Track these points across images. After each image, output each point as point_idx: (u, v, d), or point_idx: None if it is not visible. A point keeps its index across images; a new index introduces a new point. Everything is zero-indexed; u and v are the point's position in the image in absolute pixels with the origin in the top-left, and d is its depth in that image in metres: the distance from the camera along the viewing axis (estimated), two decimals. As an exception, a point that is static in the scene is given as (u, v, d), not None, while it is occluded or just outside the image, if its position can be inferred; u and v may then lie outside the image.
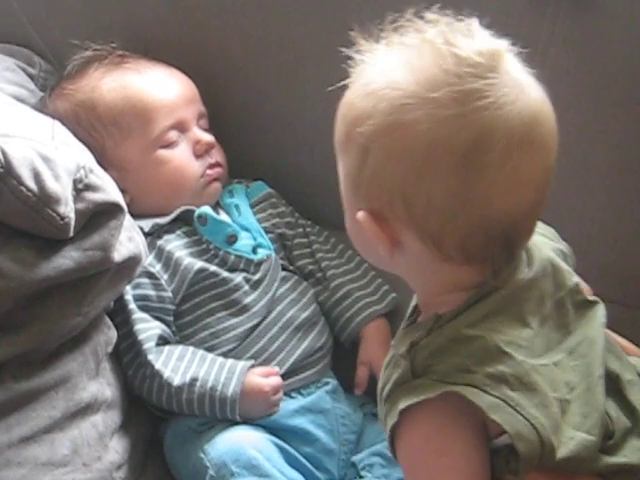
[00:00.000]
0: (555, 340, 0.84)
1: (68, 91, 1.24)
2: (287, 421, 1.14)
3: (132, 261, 1.04)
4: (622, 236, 1.24)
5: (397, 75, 0.78)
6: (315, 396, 1.18)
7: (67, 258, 0.94)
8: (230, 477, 1.04)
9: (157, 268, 1.17)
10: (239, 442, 1.07)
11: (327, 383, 1.21)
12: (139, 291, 1.15)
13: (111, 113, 1.20)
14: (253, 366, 1.14)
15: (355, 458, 1.17)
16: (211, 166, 1.25)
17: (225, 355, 1.16)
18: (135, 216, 1.13)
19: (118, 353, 1.14)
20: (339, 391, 1.22)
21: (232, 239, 1.21)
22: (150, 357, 1.11)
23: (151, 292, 1.15)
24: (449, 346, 0.80)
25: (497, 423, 0.75)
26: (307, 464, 1.12)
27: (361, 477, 1.14)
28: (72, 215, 0.93)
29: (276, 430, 1.13)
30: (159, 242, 1.18)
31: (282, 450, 1.11)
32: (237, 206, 1.27)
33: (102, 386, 1.06)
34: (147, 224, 1.18)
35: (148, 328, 1.13)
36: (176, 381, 1.10)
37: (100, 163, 1.03)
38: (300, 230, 1.32)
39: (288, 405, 1.15)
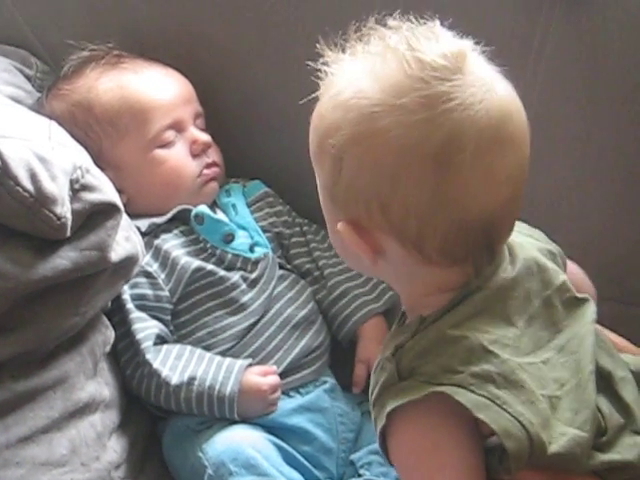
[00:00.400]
0: (544, 338, 0.84)
1: (65, 91, 1.24)
2: (285, 420, 1.14)
3: (129, 261, 1.05)
4: (619, 234, 1.24)
5: (363, 84, 0.79)
6: (313, 395, 1.18)
7: (64, 258, 0.94)
8: (228, 476, 1.05)
9: (154, 267, 1.17)
10: (237, 441, 1.07)
11: (325, 382, 1.21)
12: (136, 290, 1.15)
13: (108, 113, 1.20)
14: (251, 365, 1.14)
15: (353, 456, 1.17)
16: (208, 166, 1.25)
17: (223, 354, 1.16)
18: (132, 216, 1.13)
19: (116, 353, 1.14)
20: (337, 390, 1.22)
21: (229, 238, 1.21)
22: (148, 356, 1.11)
23: (148, 291, 1.15)
24: (434, 347, 0.80)
25: (484, 422, 0.75)
26: (306, 463, 1.12)
27: (359, 475, 1.14)
28: (69, 215, 0.93)
29: (274, 429, 1.13)
30: (156, 241, 1.19)
31: (280, 449, 1.11)
32: (234, 205, 1.27)
33: (100, 386, 1.06)
34: (144, 224, 1.18)
35: (146, 327, 1.13)
36: (174, 380, 1.10)
37: (97, 163, 1.03)
38: (297, 229, 1.32)
39: (286, 404, 1.15)
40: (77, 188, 0.96)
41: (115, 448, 1.06)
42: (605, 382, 0.86)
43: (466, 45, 0.80)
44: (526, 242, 0.90)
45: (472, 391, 0.76)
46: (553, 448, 0.76)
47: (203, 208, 1.21)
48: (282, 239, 1.30)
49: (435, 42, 0.79)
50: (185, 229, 1.21)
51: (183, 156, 1.23)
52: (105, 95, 1.21)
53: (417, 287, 0.85)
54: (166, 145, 1.22)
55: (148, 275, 1.16)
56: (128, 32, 1.32)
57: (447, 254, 0.80)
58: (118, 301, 1.13)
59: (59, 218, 0.92)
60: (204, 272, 1.18)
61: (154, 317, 1.15)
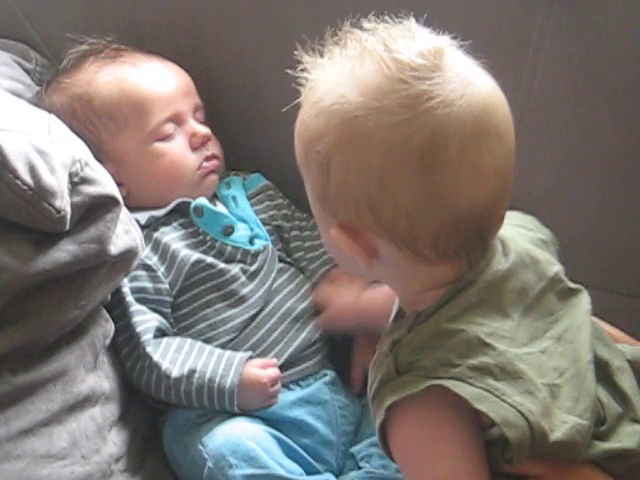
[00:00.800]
0: (541, 329, 0.85)
1: (64, 85, 1.24)
2: (286, 413, 1.14)
3: (129, 254, 1.05)
4: (619, 225, 1.24)
5: (343, 89, 0.79)
6: (313, 388, 1.18)
7: (63, 251, 0.94)
8: (228, 469, 1.05)
9: (154, 260, 1.17)
10: (237, 434, 1.07)
11: (325, 375, 1.21)
12: (136, 284, 1.15)
13: (107, 106, 1.20)
14: (251, 357, 1.14)
15: (354, 449, 1.17)
16: (207, 158, 1.25)
17: (223, 346, 1.16)
18: (132, 209, 1.13)
19: (116, 346, 1.14)
20: (337, 382, 1.22)
21: (229, 230, 1.21)
22: (148, 349, 1.11)
23: (148, 284, 1.15)
24: (431, 341, 0.80)
25: (483, 413, 0.75)
26: (306, 455, 1.12)
27: (360, 468, 1.14)
28: (68, 208, 0.94)
29: (275, 422, 1.13)
30: (155, 234, 1.19)
31: (280, 442, 1.11)
32: (234, 198, 1.28)
33: (100, 379, 1.07)
34: (143, 217, 1.18)
35: (146, 320, 1.13)
36: (174, 373, 1.10)
37: (96, 156, 1.03)
38: (296, 223, 1.32)
39: (286, 397, 1.15)
40: (76, 181, 0.96)
41: (115, 441, 1.06)
42: (603, 372, 0.87)
43: (443, 41, 0.81)
44: (518, 234, 0.91)
45: (471, 384, 0.77)
46: (555, 436, 0.77)
47: (202, 200, 1.21)
48: (282, 232, 1.30)
49: (412, 41, 0.80)
50: (184, 222, 1.21)
51: (183, 149, 1.23)
52: (104, 88, 1.21)
53: (413, 285, 0.85)
54: (165, 138, 1.22)
55: (148, 268, 1.16)
56: (127, 26, 1.32)
57: (440, 251, 0.80)
58: (118, 294, 1.13)
59: (58, 211, 0.92)
60: (204, 264, 1.18)
61: (154, 310, 1.15)
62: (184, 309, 1.18)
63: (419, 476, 0.81)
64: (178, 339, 1.15)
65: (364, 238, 0.82)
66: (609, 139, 1.18)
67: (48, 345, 0.99)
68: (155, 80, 1.23)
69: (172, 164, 1.21)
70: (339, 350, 1.27)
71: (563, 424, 0.78)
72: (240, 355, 1.13)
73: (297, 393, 1.17)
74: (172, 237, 1.19)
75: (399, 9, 1.07)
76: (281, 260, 1.26)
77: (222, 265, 1.19)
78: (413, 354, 0.81)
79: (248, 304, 1.18)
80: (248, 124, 1.37)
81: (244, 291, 1.19)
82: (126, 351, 1.14)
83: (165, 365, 1.10)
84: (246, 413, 1.12)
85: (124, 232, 1.04)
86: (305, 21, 1.25)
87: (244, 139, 1.37)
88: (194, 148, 1.24)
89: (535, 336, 0.84)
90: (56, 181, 0.92)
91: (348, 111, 0.78)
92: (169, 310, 1.17)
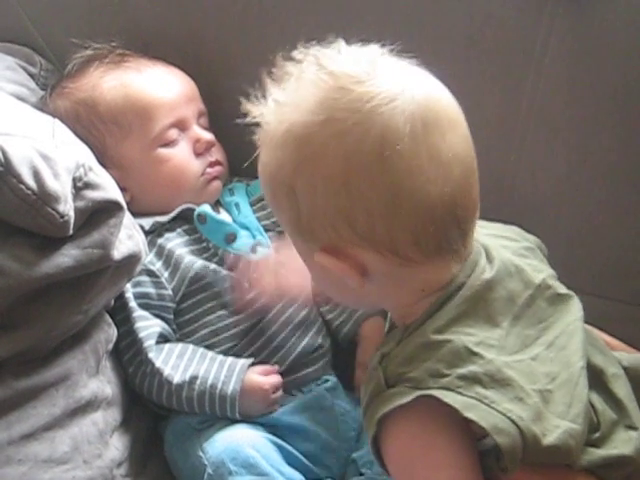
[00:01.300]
0: (532, 336, 0.85)
1: (69, 89, 1.24)
2: (287, 419, 1.14)
3: (132, 259, 1.05)
4: (623, 233, 1.24)
5: (290, 117, 0.80)
6: (315, 394, 1.18)
7: (67, 256, 0.94)
8: (228, 476, 1.04)
9: (157, 266, 1.17)
10: (237, 441, 1.07)
11: (327, 380, 1.21)
12: (139, 289, 1.15)
13: (111, 111, 1.20)
14: (253, 364, 1.14)
15: (355, 455, 1.17)
16: (211, 164, 1.25)
17: (225, 353, 1.16)
18: (136, 214, 1.13)
19: (118, 351, 1.14)
20: (339, 388, 1.22)
21: (231, 238, 1.21)
22: (151, 355, 1.11)
23: (151, 290, 1.15)
24: (419, 353, 0.81)
25: (473, 421, 0.75)
26: (307, 462, 1.12)
27: (361, 474, 1.14)
28: (71, 213, 0.94)
29: (276, 428, 1.13)
30: (159, 240, 1.19)
31: (281, 448, 1.10)
32: (237, 204, 1.27)
33: (102, 384, 1.07)
34: (148, 222, 1.18)
35: (148, 326, 1.13)
36: (176, 379, 1.10)
37: (100, 161, 1.03)
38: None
39: (288, 402, 1.16)
40: (80, 186, 0.96)
41: (117, 446, 1.06)
42: (597, 379, 0.87)
43: (374, 49, 0.83)
44: (500, 246, 0.91)
45: (460, 393, 0.77)
46: (548, 440, 0.77)
47: (205, 208, 1.21)
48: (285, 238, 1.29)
49: (343, 55, 0.82)
50: (189, 228, 1.21)
51: (186, 155, 1.23)
52: (109, 93, 1.21)
53: (404, 296, 0.85)
54: (169, 144, 1.22)
55: (151, 274, 1.16)
56: (132, 31, 1.32)
57: (423, 247, 0.80)
58: (121, 299, 1.13)
59: (62, 216, 0.92)
60: (207, 271, 1.18)
61: (157, 316, 1.15)
62: (187, 315, 1.18)
63: None
64: (180, 345, 1.15)
65: (348, 255, 0.82)
66: (612, 144, 1.19)
67: (50, 350, 0.99)
68: (159, 85, 1.23)
69: (176, 169, 1.22)
70: (342, 355, 1.27)
71: (556, 428, 0.78)
72: (242, 362, 1.13)
73: (299, 399, 1.17)
74: (176, 243, 1.19)
75: (404, 16, 1.08)
76: (283, 267, 1.26)
77: (225, 272, 1.19)
78: (402, 366, 0.81)
79: (250, 311, 1.18)
80: (252, 130, 1.37)
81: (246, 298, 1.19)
82: (129, 356, 1.14)
83: (167, 371, 1.11)
84: (247, 420, 1.12)
85: (127, 237, 1.04)
86: (310, 28, 1.25)
87: (248, 145, 1.37)
88: (198, 154, 1.24)
89: (526, 343, 0.84)
90: (60, 186, 0.92)
91: (298, 134, 0.79)
92: (172, 316, 1.17)
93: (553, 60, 1.15)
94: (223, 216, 1.25)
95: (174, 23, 1.33)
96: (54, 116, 1.07)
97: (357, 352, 1.25)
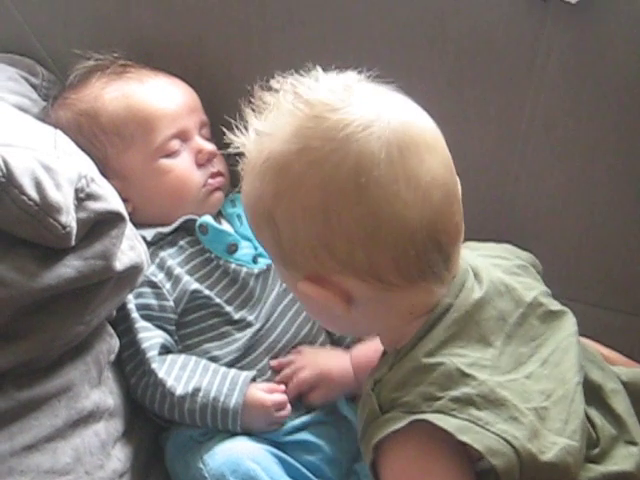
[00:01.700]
0: (525, 354, 0.85)
1: (71, 100, 1.24)
2: (289, 437, 1.14)
3: (134, 270, 1.04)
4: (624, 245, 1.25)
5: (268, 146, 0.81)
6: (318, 408, 1.17)
7: (69, 267, 0.94)
8: (228, 488, 1.04)
9: (159, 277, 1.16)
10: (237, 453, 1.07)
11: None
12: (141, 300, 1.15)
13: (113, 122, 1.20)
14: (255, 379, 1.14)
15: (357, 466, 1.16)
16: (213, 175, 1.25)
17: (228, 365, 1.15)
18: (138, 225, 1.13)
19: (121, 361, 1.14)
20: (342, 400, 1.21)
21: (232, 248, 1.21)
22: (153, 366, 1.11)
23: (153, 301, 1.15)
24: (411, 377, 0.81)
25: (468, 444, 0.75)
26: (308, 474, 1.12)
27: (363, 485, 1.14)
28: (74, 224, 0.94)
29: (278, 441, 1.13)
30: (162, 253, 1.18)
31: (282, 461, 1.10)
32: (239, 216, 1.27)
33: (104, 394, 1.06)
34: (150, 233, 1.18)
35: (151, 337, 1.13)
36: (179, 391, 1.10)
37: (102, 172, 1.03)
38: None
39: (290, 421, 1.14)
40: (82, 197, 0.96)
41: (119, 457, 1.06)
42: (596, 395, 0.87)
43: (350, 77, 0.83)
44: (491, 265, 0.90)
45: (453, 415, 0.77)
46: (546, 457, 0.77)
47: (207, 218, 1.21)
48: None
49: (319, 82, 0.82)
50: (191, 240, 1.21)
51: (188, 166, 1.23)
52: (111, 104, 1.21)
53: (393, 319, 0.85)
54: (171, 154, 1.22)
55: (153, 285, 1.16)
56: (134, 42, 1.33)
57: (404, 273, 0.80)
58: (123, 310, 1.13)
59: (64, 227, 0.92)
60: (206, 294, 1.18)
61: (159, 327, 1.15)
62: (189, 328, 1.18)
63: None
64: (183, 356, 1.14)
65: (332, 282, 0.82)
66: (613, 157, 1.19)
67: (53, 360, 0.99)
68: (161, 96, 1.23)
69: (177, 180, 1.21)
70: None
71: (553, 445, 0.78)
72: (245, 374, 1.12)
73: (301, 418, 1.16)
74: (177, 261, 1.19)
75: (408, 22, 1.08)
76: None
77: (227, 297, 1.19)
78: (395, 391, 0.81)
79: (254, 328, 1.18)
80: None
81: (250, 318, 1.19)
82: (131, 367, 1.13)
83: (170, 382, 1.10)
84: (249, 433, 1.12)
85: (129, 248, 1.04)
86: (314, 40, 1.26)
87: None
88: (200, 165, 1.24)
89: (520, 362, 0.84)
90: (62, 197, 0.92)
91: (275, 163, 0.80)
92: (174, 327, 1.17)
93: (554, 74, 1.15)
94: (225, 227, 1.25)
95: (176, 34, 1.33)
96: (56, 127, 1.07)
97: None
